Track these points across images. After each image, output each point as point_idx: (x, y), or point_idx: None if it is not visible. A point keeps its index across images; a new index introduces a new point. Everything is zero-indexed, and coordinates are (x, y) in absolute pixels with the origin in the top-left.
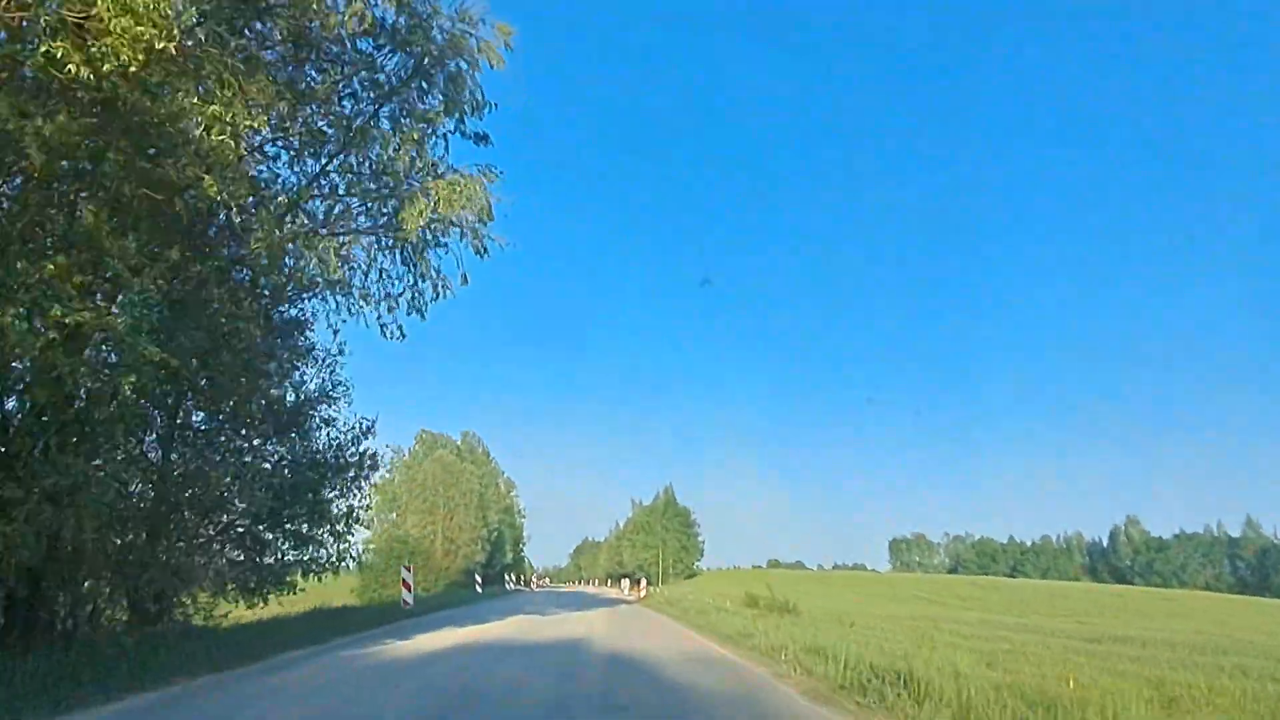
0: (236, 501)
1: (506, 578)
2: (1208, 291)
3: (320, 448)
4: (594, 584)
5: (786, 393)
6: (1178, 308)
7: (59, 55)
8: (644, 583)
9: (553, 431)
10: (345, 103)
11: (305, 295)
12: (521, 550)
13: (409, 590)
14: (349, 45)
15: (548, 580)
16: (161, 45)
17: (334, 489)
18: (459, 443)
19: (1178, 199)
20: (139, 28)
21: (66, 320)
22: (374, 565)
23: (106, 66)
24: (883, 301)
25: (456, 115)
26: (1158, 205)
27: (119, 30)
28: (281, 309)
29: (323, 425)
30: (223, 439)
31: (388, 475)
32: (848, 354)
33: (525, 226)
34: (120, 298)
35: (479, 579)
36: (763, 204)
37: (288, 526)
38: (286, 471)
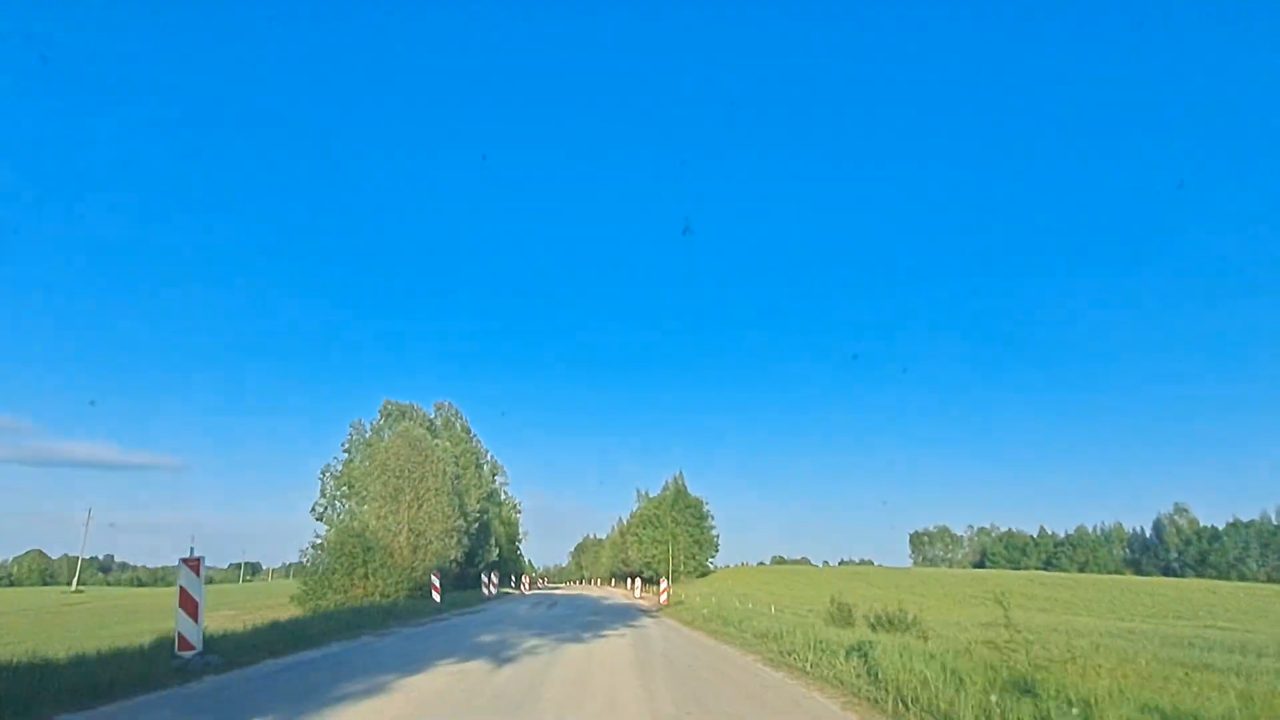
0: None
1: (485, 580)
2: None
3: None
4: (596, 583)
5: (787, 379)
6: (1228, 269)
7: None
8: (664, 584)
9: (552, 429)
10: None
11: None
12: (517, 547)
13: (192, 618)
14: None
15: (544, 581)
16: None
17: None
18: (432, 416)
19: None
20: None
21: None
22: (320, 566)
23: None
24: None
25: None
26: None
27: None
28: None
29: None
30: None
31: (345, 455)
32: (850, 332)
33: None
34: None
35: (437, 584)
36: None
37: None
38: None
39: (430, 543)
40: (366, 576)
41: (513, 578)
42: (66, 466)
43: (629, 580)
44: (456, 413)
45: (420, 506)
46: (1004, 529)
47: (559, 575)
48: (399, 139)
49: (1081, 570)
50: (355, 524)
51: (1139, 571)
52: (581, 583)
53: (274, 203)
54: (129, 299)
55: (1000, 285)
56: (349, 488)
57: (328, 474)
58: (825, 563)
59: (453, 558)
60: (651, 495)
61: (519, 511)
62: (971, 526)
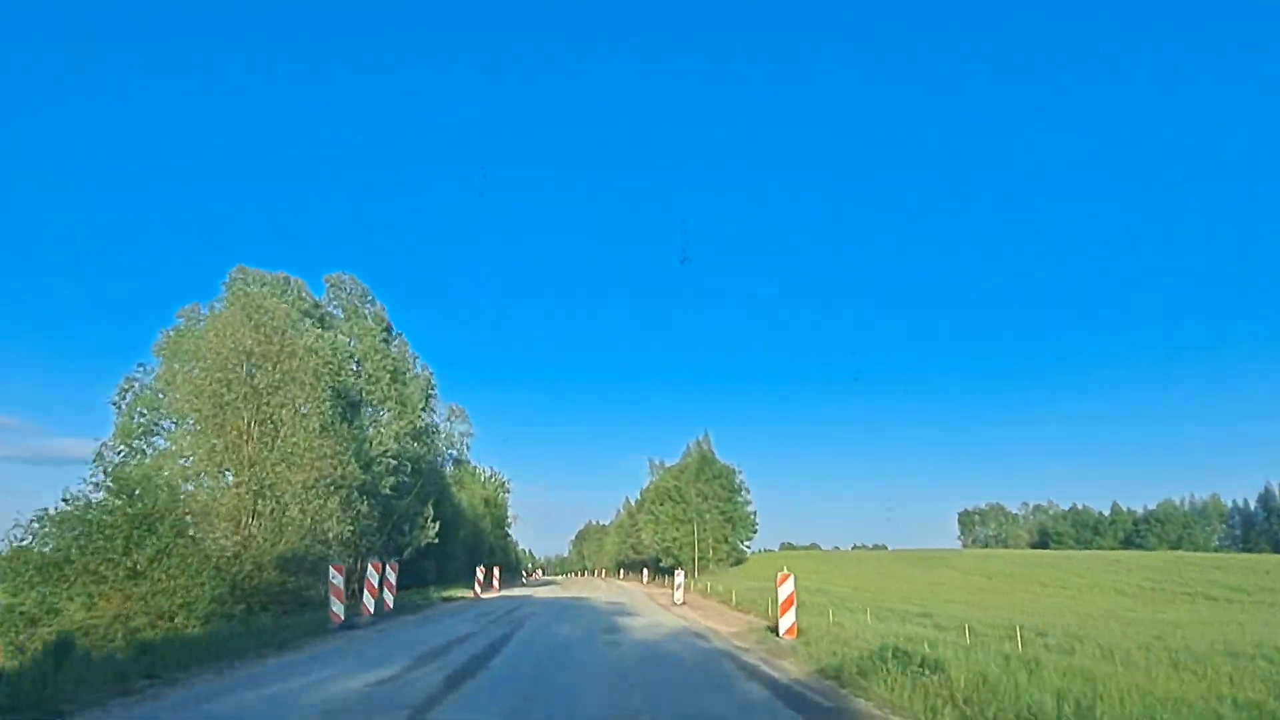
0: None
1: (370, 582)
2: None
3: None
4: (601, 575)
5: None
6: None
7: None
8: (784, 582)
9: (554, 421)
10: None
11: None
12: (506, 532)
13: None
14: None
15: (538, 573)
16: None
17: None
18: (322, 299)
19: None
20: None
21: None
22: (55, 556)
23: None
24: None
25: None
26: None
27: None
28: None
29: None
30: None
31: (160, 362)
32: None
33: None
34: None
35: None
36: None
37: None
38: None
39: (286, 507)
40: (137, 575)
41: (479, 572)
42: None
43: (644, 571)
44: (365, 294)
45: (272, 440)
46: (1061, 506)
47: (560, 566)
48: (396, 163)
49: (1175, 547)
50: (142, 473)
51: (1249, 549)
52: (584, 574)
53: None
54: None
55: (1048, 229)
56: (155, 409)
57: (129, 394)
58: (836, 547)
59: (329, 530)
60: (669, 465)
61: (508, 491)
62: (1026, 504)
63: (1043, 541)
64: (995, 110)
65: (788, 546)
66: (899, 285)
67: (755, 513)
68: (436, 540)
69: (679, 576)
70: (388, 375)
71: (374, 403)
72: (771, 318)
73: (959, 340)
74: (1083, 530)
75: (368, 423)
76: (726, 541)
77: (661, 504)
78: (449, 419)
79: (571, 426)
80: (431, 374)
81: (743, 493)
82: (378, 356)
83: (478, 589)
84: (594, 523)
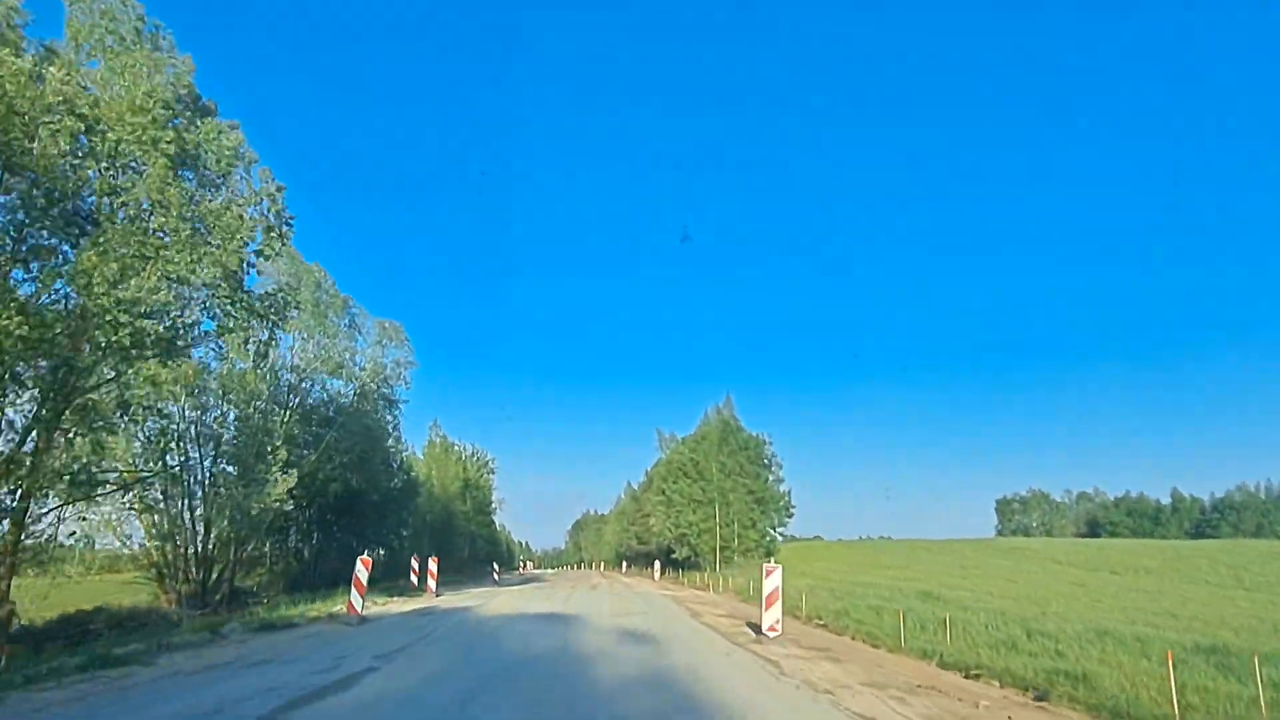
0: None
1: None
2: None
3: None
4: (600, 568)
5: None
6: None
7: None
8: None
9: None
10: None
11: None
12: (491, 516)
13: None
14: None
15: (527, 566)
16: None
17: None
18: (65, 40)
19: None
20: None
21: None
22: None
23: None
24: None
25: None
26: None
27: None
28: None
29: None
30: None
31: None
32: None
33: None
34: None
35: None
36: None
37: None
38: None
39: None
40: None
41: (361, 565)
42: None
43: (655, 566)
44: (150, 32)
45: None
46: (1109, 494)
47: (557, 559)
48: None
49: (1255, 536)
50: None
51: None
52: (579, 566)
53: None
54: None
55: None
56: None
57: None
58: (839, 539)
59: None
60: (682, 438)
61: (492, 472)
62: (1070, 492)
63: (1092, 531)
64: None
65: (790, 539)
66: (900, 279)
67: (789, 492)
68: (289, 506)
69: (772, 578)
70: (163, 160)
71: (118, 210)
72: (776, 306)
73: (961, 334)
74: (1140, 519)
75: (93, 247)
76: (754, 527)
77: (675, 481)
78: (379, 341)
79: (571, 419)
80: (279, 190)
81: (774, 468)
82: (140, 121)
83: (355, 600)
84: (592, 512)
